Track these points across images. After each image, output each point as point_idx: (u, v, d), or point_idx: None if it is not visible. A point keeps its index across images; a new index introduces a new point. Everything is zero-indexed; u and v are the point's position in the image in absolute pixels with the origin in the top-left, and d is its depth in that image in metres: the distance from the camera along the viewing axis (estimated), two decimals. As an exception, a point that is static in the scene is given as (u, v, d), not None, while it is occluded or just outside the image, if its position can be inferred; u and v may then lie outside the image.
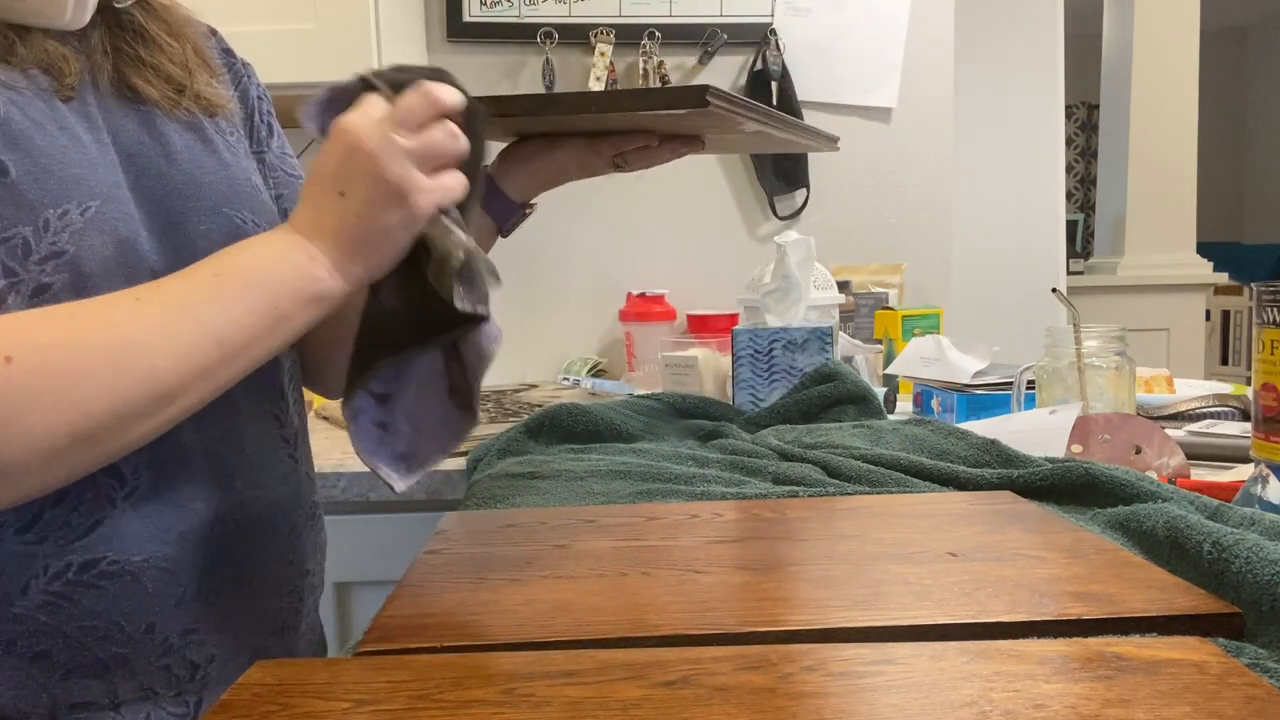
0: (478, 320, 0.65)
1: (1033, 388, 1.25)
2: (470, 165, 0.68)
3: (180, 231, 0.72)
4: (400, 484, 0.68)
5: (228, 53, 0.86)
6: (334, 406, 1.54)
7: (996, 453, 0.96)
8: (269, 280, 0.64)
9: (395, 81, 0.65)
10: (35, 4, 0.68)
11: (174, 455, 0.70)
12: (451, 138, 0.64)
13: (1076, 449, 1.03)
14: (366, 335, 0.68)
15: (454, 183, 0.65)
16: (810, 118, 2.01)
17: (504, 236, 0.90)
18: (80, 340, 0.59)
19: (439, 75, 0.66)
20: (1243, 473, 0.96)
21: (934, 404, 1.38)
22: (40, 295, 0.63)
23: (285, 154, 0.89)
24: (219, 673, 0.73)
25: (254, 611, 0.76)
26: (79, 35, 0.73)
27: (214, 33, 0.85)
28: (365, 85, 0.66)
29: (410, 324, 0.67)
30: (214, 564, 0.72)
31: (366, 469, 0.68)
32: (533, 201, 0.90)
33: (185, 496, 0.71)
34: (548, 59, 1.96)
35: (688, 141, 0.89)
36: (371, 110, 0.64)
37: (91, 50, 0.73)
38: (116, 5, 0.74)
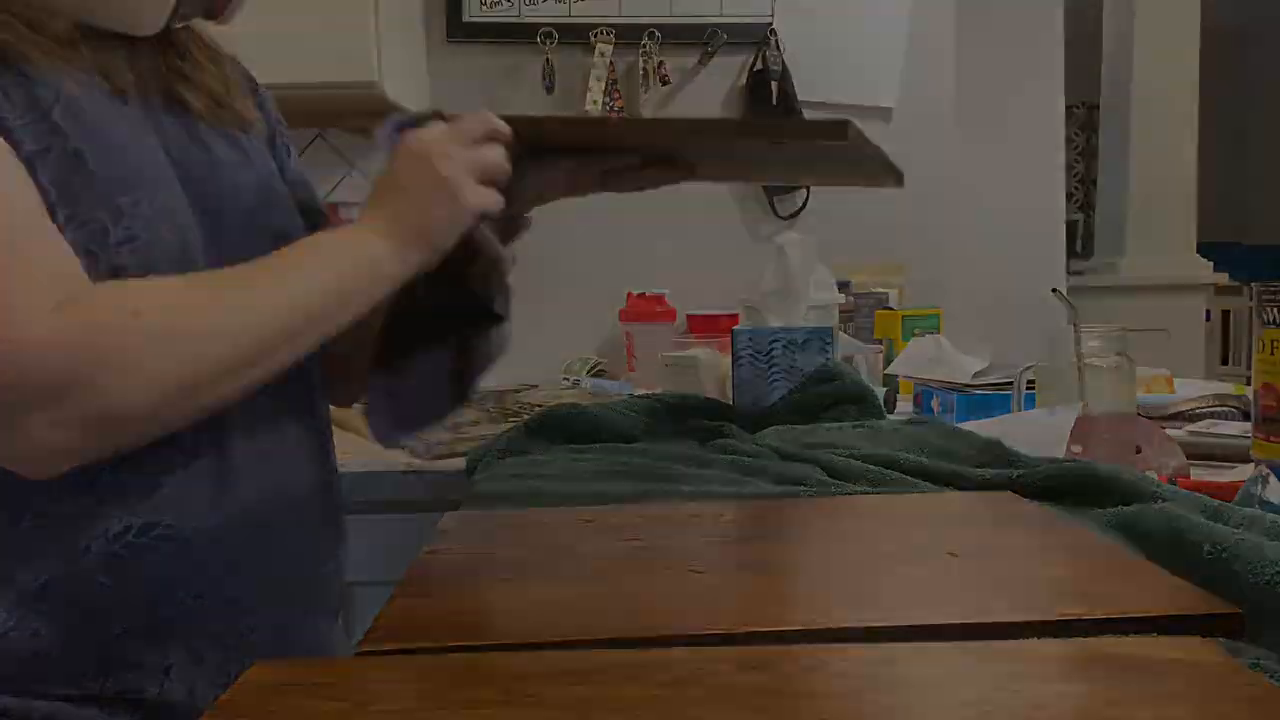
0: (499, 321, 0.79)
1: (1033, 388, 1.25)
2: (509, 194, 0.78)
3: (222, 232, 0.78)
4: (411, 442, 0.79)
5: (251, 79, 0.92)
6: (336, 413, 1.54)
7: (997, 453, 0.96)
8: (347, 259, 0.75)
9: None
10: (119, 8, 0.75)
11: (228, 429, 0.75)
12: (499, 158, 0.77)
13: (1076, 449, 1.03)
14: (392, 322, 0.80)
15: (496, 196, 0.77)
16: (810, 117, 2.01)
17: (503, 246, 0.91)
18: (198, 305, 0.69)
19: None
20: (1243, 473, 0.96)
21: (934, 404, 1.38)
22: (114, 277, 0.69)
23: (301, 175, 0.94)
24: (260, 647, 0.76)
25: (290, 590, 0.80)
26: (131, 53, 0.78)
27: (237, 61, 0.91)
28: (436, 115, 0.78)
29: (430, 316, 0.79)
30: (258, 539, 0.77)
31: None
32: (528, 215, 0.90)
33: (237, 471, 0.75)
34: (548, 59, 1.96)
35: (678, 167, 0.88)
36: (435, 129, 0.77)
37: (143, 68, 0.78)
38: (176, 26, 0.80)
